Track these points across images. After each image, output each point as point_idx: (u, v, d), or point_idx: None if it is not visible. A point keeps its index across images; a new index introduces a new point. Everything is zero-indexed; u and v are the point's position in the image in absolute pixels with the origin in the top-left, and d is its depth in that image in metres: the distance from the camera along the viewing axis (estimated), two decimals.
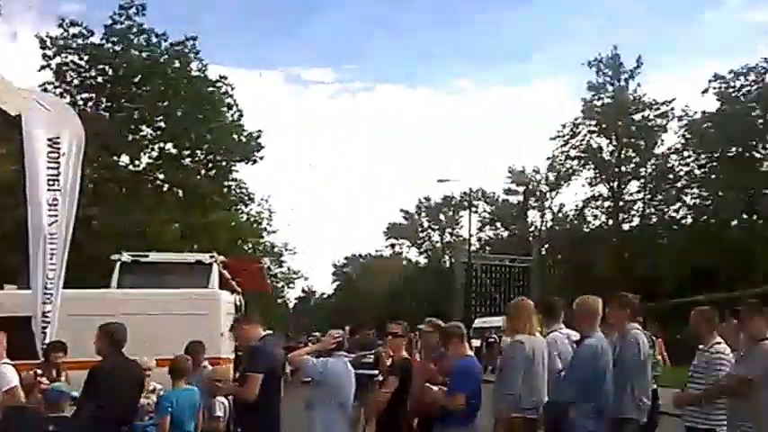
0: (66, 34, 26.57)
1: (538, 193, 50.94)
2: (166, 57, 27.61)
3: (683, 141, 40.23)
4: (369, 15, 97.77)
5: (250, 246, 36.13)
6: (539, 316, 5.74)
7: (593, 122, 43.27)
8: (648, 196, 42.83)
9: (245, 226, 33.75)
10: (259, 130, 29.95)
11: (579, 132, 44.12)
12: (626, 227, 43.44)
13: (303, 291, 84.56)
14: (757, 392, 4.81)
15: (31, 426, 5.24)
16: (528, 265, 41.05)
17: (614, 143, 43.26)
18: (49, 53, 26.26)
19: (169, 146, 28.99)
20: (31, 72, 30.56)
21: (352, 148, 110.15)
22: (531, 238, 48.51)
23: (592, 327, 5.25)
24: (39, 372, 6.80)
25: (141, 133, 28.29)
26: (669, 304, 20.15)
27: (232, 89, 29.50)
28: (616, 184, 43.24)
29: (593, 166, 44.10)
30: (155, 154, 28.95)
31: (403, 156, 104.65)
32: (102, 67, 26.90)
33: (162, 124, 28.26)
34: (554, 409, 5.24)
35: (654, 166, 42.27)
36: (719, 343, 5.38)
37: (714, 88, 38.29)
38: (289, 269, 53.15)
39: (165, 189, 29.00)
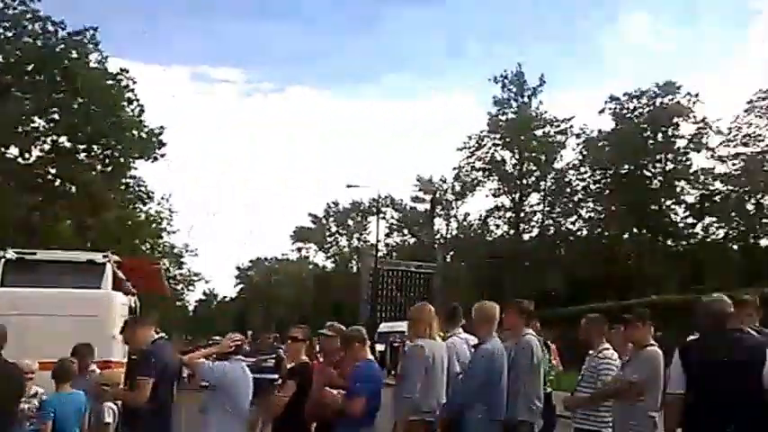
0: None
1: (444, 202, 52.00)
2: (63, 46, 26.24)
3: (580, 158, 42.42)
4: (281, 14, 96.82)
5: (148, 246, 34.86)
6: (439, 321, 5.75)
7: (498, 136, 44.71)
8: (547, 209, 44.72)
9: (143, 225, 32.53)
10: (161, 127, 29.00)
11: (484, 145, 45.51)
12: (526, 237, 45.08)
13: (204, 293, 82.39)
14: (642, 394, 5.09)
15: None
16: (433, 271, 41.78)
17: (517, 157, 44.83)
18: None
19: (63, 139, 27.55)
20: None
21: (259, 150, 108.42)
22: (436, 245, 49.37)
23: (489, 332, 5.37)
24: None
25: (33, 125, 26.75)
26: (564, 311, 20.99)
27: (134, 83, 28.44)
28: (518, 195, 44.82)
29: (496, 178, 45.55)
30: (47, 147, 27.44)
31: (312, 160, 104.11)
32: None
33: (56, 116, 26.82)
34: (450, 410, 5.32)
35: (553, 180, 44.15)
36: (608, 349, 5.67)
37: (610, 109, 40.58)
38: (189, 271, 51.73)
39: (56, 184, 27.52)
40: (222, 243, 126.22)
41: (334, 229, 68.71)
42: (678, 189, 39.40)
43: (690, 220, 39.36)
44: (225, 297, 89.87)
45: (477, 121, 72.94)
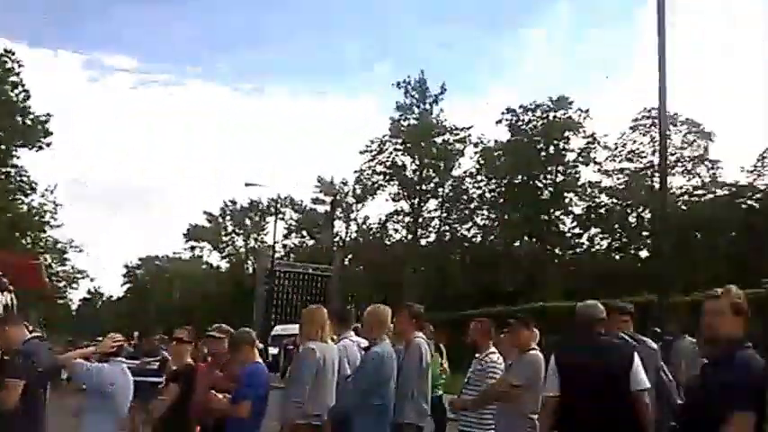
0: None
1: (344, 205, 52.10)
2: None
3: (477, 166, 43.64)
4: (182, 2, 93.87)
5: (29, 240, 32.78)
6: (332, 323, 5.80)
7: (399, 141, 45.34)
8: (445, 215, 45.72)
9: (24, 218, 30.57)
10: (48, 114, 27.42)
11: (386, 149, 46.03)
12: (423, 242, 45.89)
13: (89, 292, 78.49)
14: (523, 396, 5.28)
15: None
16: (330, 274, 41.67)
17: (417, 162, 45.59)
18: None
19: None
20: None
21: (155, 144, 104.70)
22: (335, 248, 49.34)
23: (380, 334, 5.41)
24: None
25: None
26: (456, 316, 21.46)
27: (19, 66, 26.73)
28: (417, 201, 45.58)
29: (396, 183, 46.12)
30: None
31: (209, 156, 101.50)
32: None
33: None
34: (338, 413, 5.35)
35: (451, 187, 45.21)
36: (494, 353, 5.87)
37: (506, 120, 42.03)
38: (73, 268, 49.04)
39: None
40: (111, 240, 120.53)
41: (230, 228, 67.15)
42: (567, 200, 41.41)
43: (577, 231, 41.44)
44: (111, 296, 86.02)
45: (380, 125, 73.87)
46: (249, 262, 62.83)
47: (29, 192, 29.98)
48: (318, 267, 41.95)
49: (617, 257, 38.95)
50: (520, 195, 40.56)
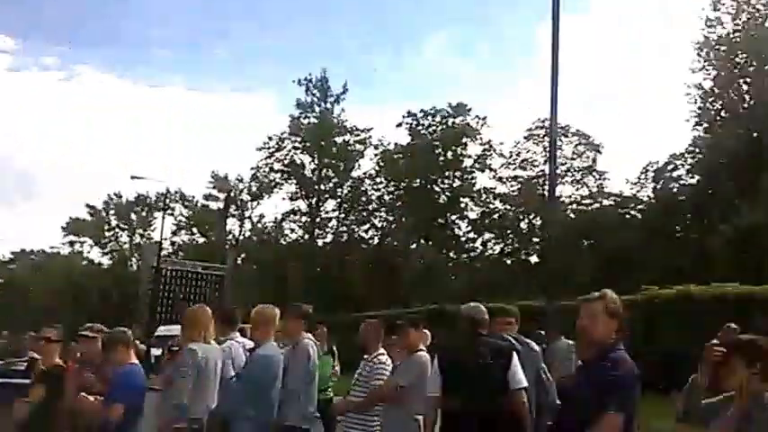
0: None
1: (239, 202, 50.63)
2: None
3: (376, 168, 43.65)
4: None
5: None
6: (217, 324, 5.67)
7: (299, 139, 44.60)
8: (343, 215, 45.38)
9: None
10: None
11: (284, 147, 45.19)
12: (320, 243, 45.37)
13: None
14: (409, 397, 5.23)
15: None
16: (222, 273, 40.25)
17: (316, 162, 45.02)
18: None
19: None
20: None
21: (31, 130, 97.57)
22: (227, 246, 47.81)
23: (266, 335, 5.37)
24: None
25: None
26: (353, 317, 21.17)
27: None
28: (315, 200, 44.98)
29: (294, 181, 45.33)
30: None
31: (94, 146, 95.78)
32: None
33: None
34: (218, 415, 5.22)
35: (350, 188, 44.96)
36: (383, 354, 5.80)
37: (407, 124, 42.34)
38: None
39: None
40: None
41: (114, 222, 63.60)
42: (463, 205, 42.21)
43: (471, 235, 42.28)
44: None
45: (279, 122, 72.47)
46: (134, 259, 59.83)
47: None
48: (209, 266, 40.42)
49: (508, 262, 39.99)
50: (418, 199, 40.91)
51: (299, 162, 45.11)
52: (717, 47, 33.30)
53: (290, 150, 45.18)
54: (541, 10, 15.47)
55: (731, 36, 33.01)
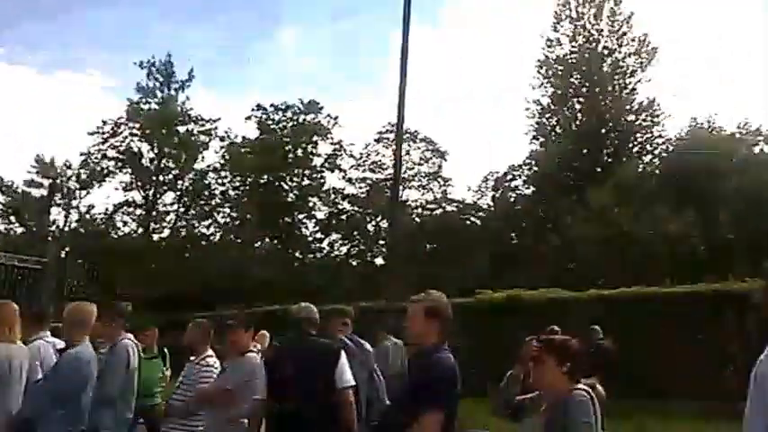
0: None
1: (66, 190, 46.27)
2: None
3: (222, 161, 41.75)
4: None
5: None
6: (25, 322, 5.40)
7: (137, 126, 41.57)
8: (182, 209, 42.89)
9: None
10: None
11: (120, 133, 41.89)
12: (156, 237, 42.55)
13: None
14: (235, 400, 5.12)
15: None
16: (41, 267, 36.43)
17: (156, 151, 42.19)
18: None
19: None
20: None
21: None
22: (50, 238, 43.50)
23: (80, 335, 5.11)
24: None
25: None
26: (189, 317, 19.98)
27: None
28: (152, 192, 42.15)
29: (130, 171, 42.19)
30: None
31: None
32: None
33: None
34: (23, 420, 4.92)
35: (191, 181, 42.59)
36: (210, 356, 5.74)
37: (256, 117, 40.91)
38: None
39: None
40: None
41: None
42: (311, 204, 41.49)
43: (318, 236, 41.67)
44: None
45: (115, 106, 67.62)
46: None
47: None
48: (27, 259, 36.45)
49: (354, 263, 39.89)
50: (264, 196, 39.61)
51: (136, 150, 41.98)
52: (555, 66, 35.32)
53: (126, 137, 41.98)
54: (397, 16, 15.28)
55: (568, 57, 35.15)
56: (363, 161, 41.05)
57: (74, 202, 46.30)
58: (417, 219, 38.85)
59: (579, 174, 32.76)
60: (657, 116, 34.05)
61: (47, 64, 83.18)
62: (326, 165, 41.57)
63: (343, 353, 4.72)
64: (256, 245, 40.12)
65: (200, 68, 60.45)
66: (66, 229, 46.58)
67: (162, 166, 42.12)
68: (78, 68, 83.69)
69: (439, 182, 40.89)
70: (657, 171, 32.27)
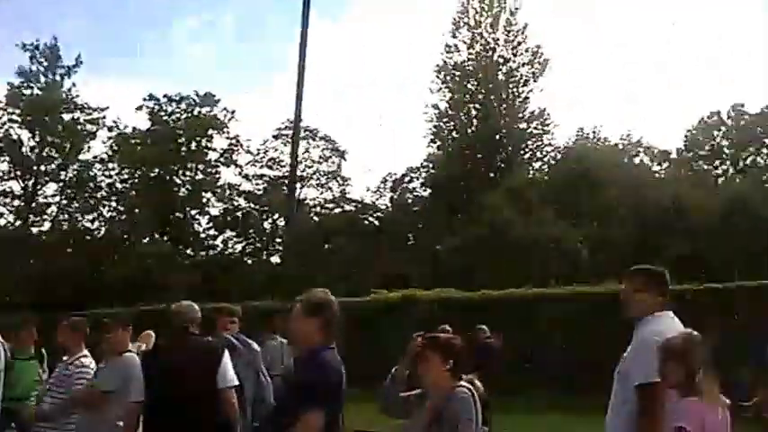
0: None
1: None
2: None
3: (109, 153, 39.74)
4: None
5: None
6: None
7: (18, 112, 38.82)
8: (65, 202, 40.46)
9: None
10: None
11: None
12: (35, 230, 39.92)
13: None
14: (111, 402, 4.97)
15: None
16: None
17: (37, 139, 39.51)
18: None
19: None
20: None
21: None
22: None
23: None
24: None
25: None
26: (68, 316, 18.93)
27: None
28: (32, 182, 39.49)
29: (8, 159, 39.29)
30: None
31: None
32: None
33: None
34: None
35: (76, 172, 40.21)
36: (85, 356, 5.51)
37: (148, 108, 39.21)
38: None
39: None
40: None
41: None
42: (205, 200, 40.23)
43: (212, 232, 40.52)
44: None
45: None
46: None
47: None
48: None
49: (249, 262, 39.09)
50: (154, 190, 38.02)
51: (15, 137, 39.14)
52: (453, 72, 36.12)
53: (5, 123, 39.10)
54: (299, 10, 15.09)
55: (465, 64, 36.05)
56: (261, 157, 40.35)
57: None
58: (316, 218, 38.61)
59: (474, 178, 33.67)
60: (548, 125, 35.62)
61: None
62: (222, 160, 40.47)
63: (226, 352, 4.63)
64: (144, 240, 38.46)
65: (90, 55, 57.42)
66: None
67: (44, 155, 39.51)
68: None
69: (338, 181, 40.84)
70: (546, 178, 33.71)
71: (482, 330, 11.47)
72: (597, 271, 19.12)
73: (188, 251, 39.66)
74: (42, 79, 39.42)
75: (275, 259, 37.68)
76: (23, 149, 39.34)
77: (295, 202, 30.79)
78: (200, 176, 40.01)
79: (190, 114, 39.47)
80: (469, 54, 36.05)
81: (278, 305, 14.58)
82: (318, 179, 40.42)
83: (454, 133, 36.42)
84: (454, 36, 36.29)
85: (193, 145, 39.54)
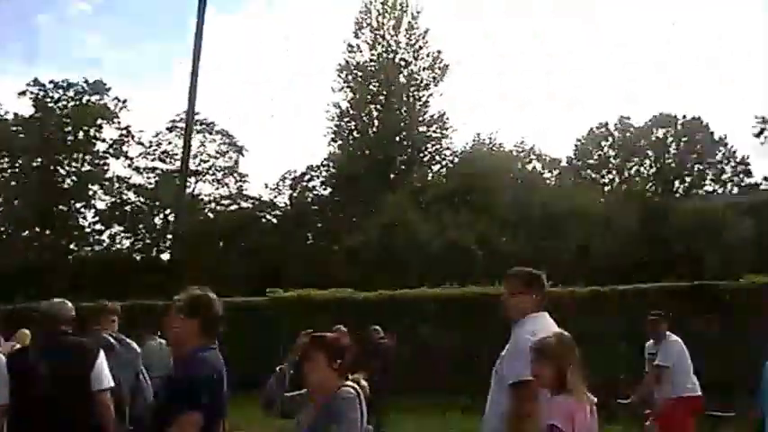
0: None
1: None
2: None
3: None
4: None
5: None
6: None
7: None
8: None
9: None
10: None
11: None
12: None
13: None
14: None
15: None
16: None
17: None
18: None
19: None
20: None
21: None
22: None
23: None
24: None
25: None
26: None
27: None
28: None
29: None
30: None
31: None
32: None
33: None
34: None
35: None
36: None
37: (32, 94, 36.89)
38: None
39: None
40: None
41: None
42: (91, 193, 38.20)
43: (98, 227, 38.48)
44: None
45: None
46: None
47: None
48: None
49: (138, 258, 37.41)
50: (36, 180, 35.69)
51: None
52: (355, 72, 36.14)
53: None
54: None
55: (367, 64, 36.16)
56: (153, 150, 38.75)
57: None
58: (210, 214, 37.51)
59: (374, 179, 33.80)
60: (447, 129, 36.31)
61: None
62: (111, 151, 38.56)
63: (101, 353, 4.46)
64: (24, 233, 36.05)
65: None
66: None
67: None
68: None
69: (235, 177, 39.89)
70: (444, 180, 34.34)
71: (375, 331, 11.46)
72: (491, 272, 19.61)
73: (71, 246, 37.51)
74: None
75: (166, 256, 36.30)
76: None
77: (184, 194, 29.85)
78: (86, 168, 37.93)
79: (78, 102, 37.38)
80: (372, 55, 36.20)
81: (165, 304, 14.00)
82: (214, 174, 39.36)
83: (355, 133, 36.42)
84: (357, 36, 36.36)
85: (81, 134, 37.45)
